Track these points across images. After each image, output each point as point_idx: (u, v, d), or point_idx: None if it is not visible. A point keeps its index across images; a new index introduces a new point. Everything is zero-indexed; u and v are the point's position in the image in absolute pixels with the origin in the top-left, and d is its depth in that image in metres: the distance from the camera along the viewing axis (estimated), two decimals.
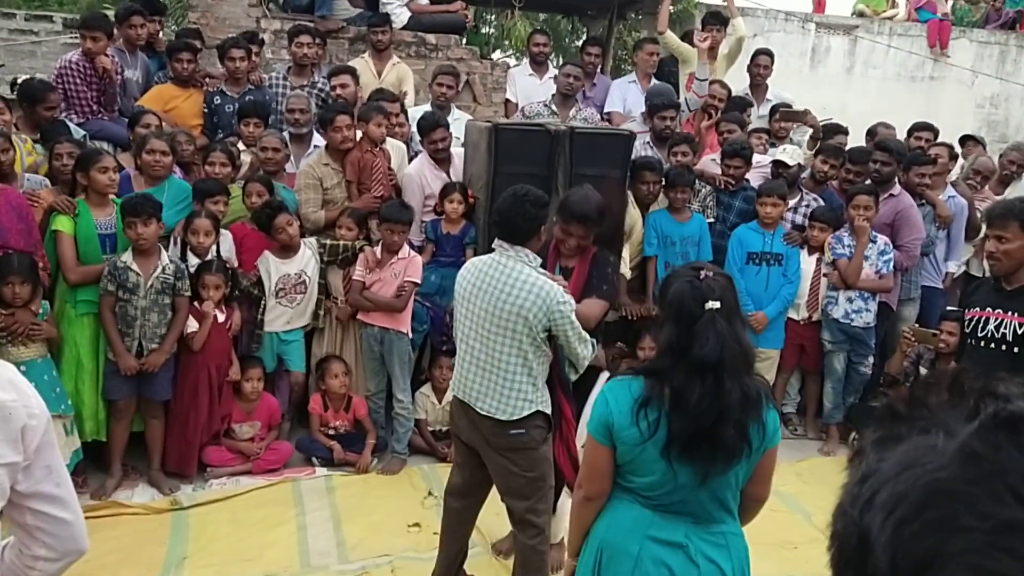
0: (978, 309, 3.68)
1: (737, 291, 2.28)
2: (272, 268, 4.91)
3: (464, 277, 3.37)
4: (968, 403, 0.67)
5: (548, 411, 3.36)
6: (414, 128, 5.77)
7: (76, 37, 6.51)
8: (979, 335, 3.65)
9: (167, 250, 4.57)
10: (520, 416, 3.26)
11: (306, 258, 4.97)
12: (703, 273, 2.22)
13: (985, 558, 0.58)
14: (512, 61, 11.61)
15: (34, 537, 1.52)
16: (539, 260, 3.30)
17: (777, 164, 5.69)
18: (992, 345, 3.58)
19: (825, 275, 5.55)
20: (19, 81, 5.40)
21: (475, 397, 3.33)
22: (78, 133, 5.19)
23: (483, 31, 12.73)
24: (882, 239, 5.47)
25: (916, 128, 6.43)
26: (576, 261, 3.80)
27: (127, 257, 4.33)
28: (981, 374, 0.70)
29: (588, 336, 3.30)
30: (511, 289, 3.19)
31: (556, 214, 3.85)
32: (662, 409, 2.17)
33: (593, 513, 2.38)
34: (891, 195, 5.60)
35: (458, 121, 6.00)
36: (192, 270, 4.61)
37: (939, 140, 6.38)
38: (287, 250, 4.91)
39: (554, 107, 6.24)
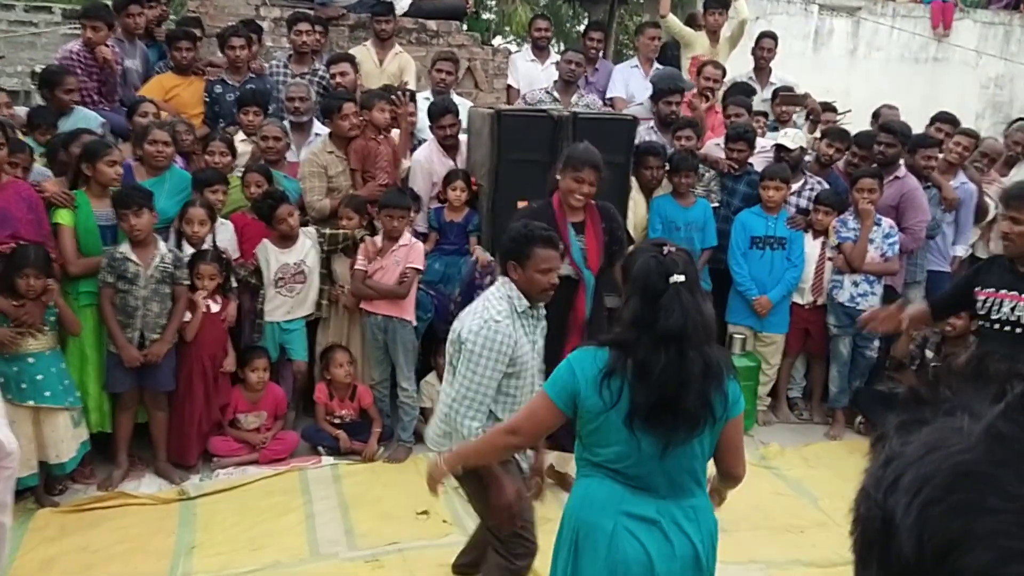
0: (992, 290, 3.65)
1: (698, 270, 2.38)
2: (271, 257, 4.89)
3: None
4: (994, 385, 0.66)
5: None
6: (423, 117, 5.75)
7: (76, 28, 6.49)
8: (993, 318, 3.63)
9: (165, 240, 4.56)
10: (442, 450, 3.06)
11: (306, 248, 4.95)
12: (666, 248, 2.28)
13: (1013, 539, 0.57)
14: (513, 47, 11.56)
15: None
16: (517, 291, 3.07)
17: (779, 148, 5.66)
18: (1008, 328, 3.57)
19: (830, 259, 5.53)
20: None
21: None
22: (96, 121, 5.15)
23: (484, 17, 12.68)
24: (887, 222, 5.44)
25: (936, 119, 6.36)
26: (582, 215, 3.91)
27: (125, 248, 4.32)
28: (1006, 357, 0.70)
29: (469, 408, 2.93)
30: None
31: (563, 167, 3.90)
32: (625, 380, 2.21)
33: (504, 453, 2.58)
34: (896, 177, 5.58)
35: (459, 108, 5.97)
36: (187, 259, 4.61)
37: (962, 128, 6.27)
38: (286, 239, 4.89)
39: (556, 93, 6.21)
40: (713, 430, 2.27)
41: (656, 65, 7.00)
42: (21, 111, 5.47)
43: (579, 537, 2.33)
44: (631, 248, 2.42)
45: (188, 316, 4.54)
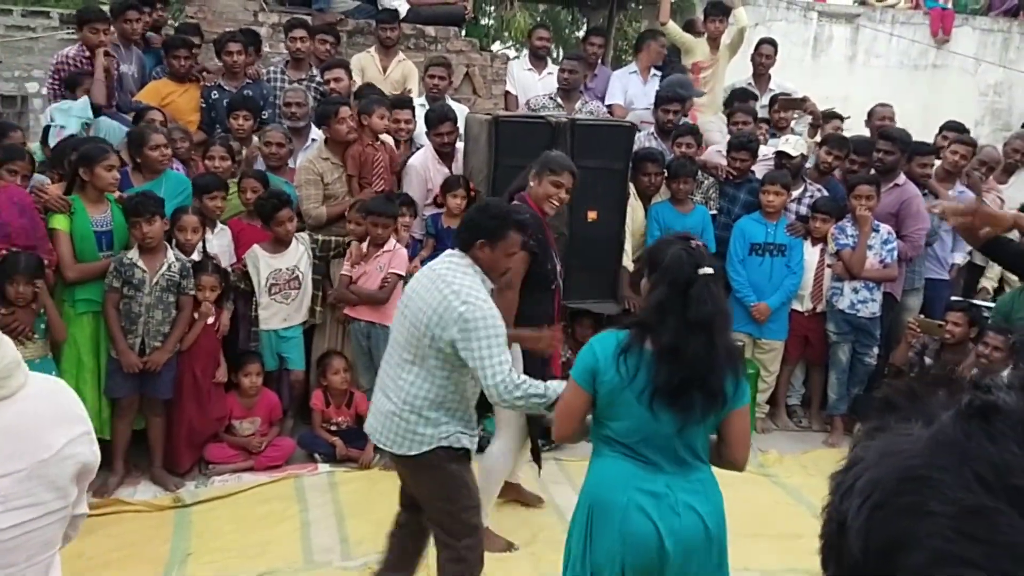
0: None
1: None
2: (261, 264, 4.86)
3: (408, 284, 3.18)
4: (956, 393, 0.68)
5: (462, 445, 3.07)
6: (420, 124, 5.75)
7: (73, 32, 6.48)
8: None
9: None
10: (418, 452, 3.01)
11: (298, 253, 4.93)
12: (693, 242, 2.49)
13: (948, 542, 0.59)
14: (512, 52, 11.56)
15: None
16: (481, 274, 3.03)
17: (780, 155, 5.65)
18: None
19: (829, 266, 5.52)
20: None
21: (373, 427, 3.13)
22: (120, 132, 5.11)
23: (483, 23, 12.68)
24: (885, 228, 5.44)
25: (944, 128, 6.34)
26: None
27: (133, 254, 4.31)
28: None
29: (515, 379, 2.86)
30: (427, 293, 2.95)
31: (540, 172, 3.92)
32: (642, 358, 2.38)
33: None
34: (895, 185, 5.57)
35: (456, 114, 5.95)
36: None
37: (958, 136, 6.25)
38: (278, 245, 4.87)
39: (559, 100, 6.21)
40: (719, 414, 2.43)
41: (653, 71, 6.99)
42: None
43: (593, 514, 2.48)
44: (656, 240, 2.62)
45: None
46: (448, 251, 3.14)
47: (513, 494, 4.48)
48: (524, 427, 4.05)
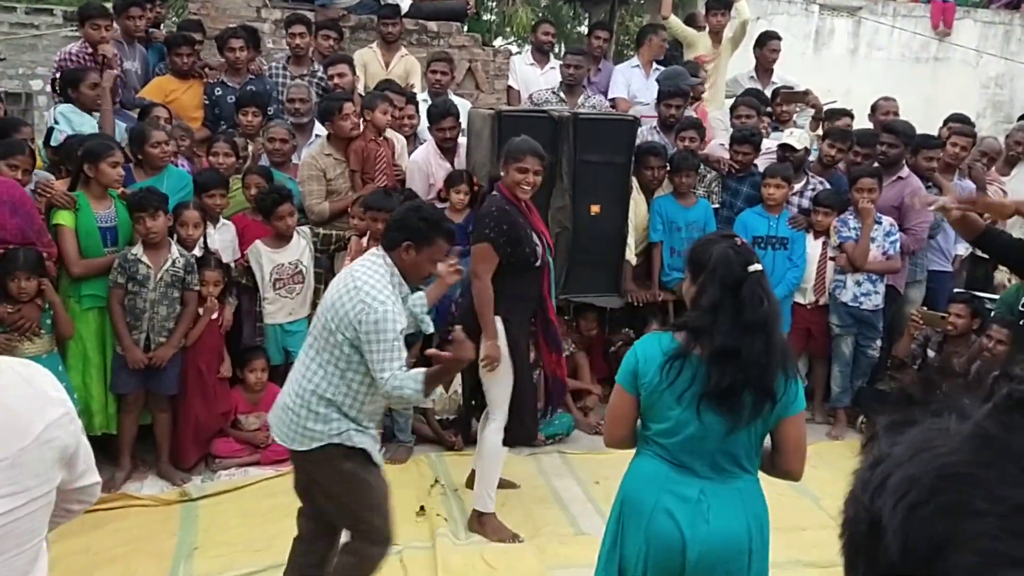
0: None
1: None
2: (264, 258, 4.87)
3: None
4: (983, 386, 0.66)
5: (355, 444, 2.98)
6: (423, 119, 5.76)
7: (76, 30, 6.49)
8: None
9: None
10: (308, 448, 2.97)
11: (300, 247, 4.95)
12: (738, 240, 2.42)
13: (998, 542, 0.57)
14: (514, 48, 11.56)
15: (73, 501, 1.64)
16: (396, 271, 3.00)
17: (784, 148, 5.66)
18: None
19: (832, 259, 5.53)
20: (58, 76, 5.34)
21: (272, 421, 3.12)
22: (120, 128, 5.13)
23: (484, 18, 12.67)
24: (887, 220, 5.44)
25: (949, 120, 6.33)
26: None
27: (137, 250, 4.32)
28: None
29: (405, 375, 2.82)
30: (335, 288, 2.95)
31: (504, 162, 3.99)
32: (687, 362, 2.30)
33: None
34: (899, 178, 5.57)
35: (459, 109, 5.97)
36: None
37: (959, 127, 6.24)
38: (280, 239, 4.88)
39: (562, 94, 6.21)
40: (767, 421, 2.35)
41: (656, 66, 6.99)
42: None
43: (624, 511, 2.47)
44: (699, 239, 2.53)
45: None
46: (372, 249, 3.11)
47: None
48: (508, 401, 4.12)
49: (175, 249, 4.42)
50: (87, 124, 4.96)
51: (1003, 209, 4.06)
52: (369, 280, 2.88)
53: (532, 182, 3.97)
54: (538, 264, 4.03)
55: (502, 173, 4.01)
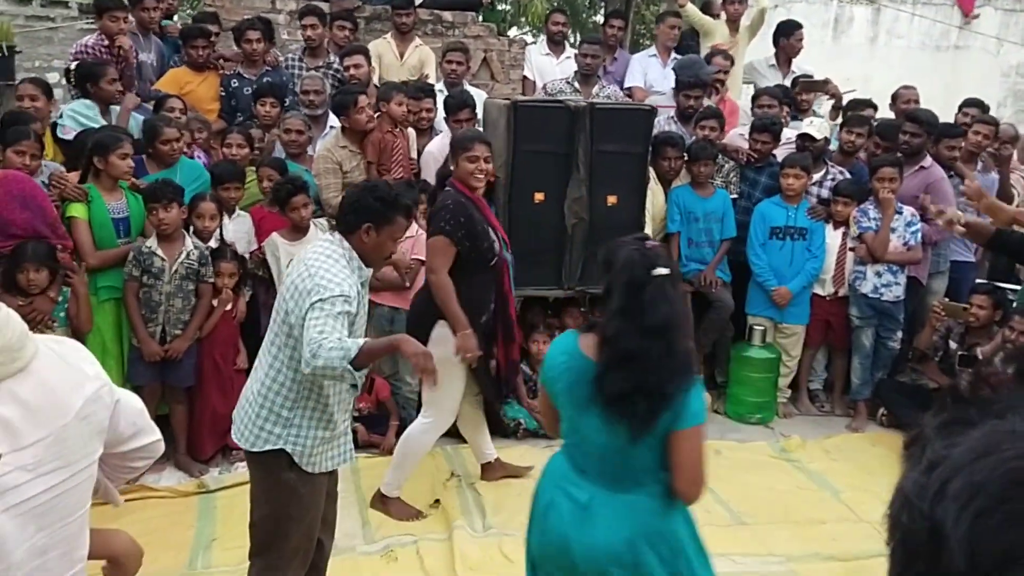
0: None
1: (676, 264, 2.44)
2: (281, 251, 4.85)
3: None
4: None
5: (306, 468, 2.87)
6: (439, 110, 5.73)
7: (92, 22, 6.49)
8: None
9: None
10: (260, 450, 2.86)
11: (317, 239, 4.92)
12: (648, 242, 2.36)
13: None
14: (529, 38, 11.51)
15: (136, 459, 1.73)
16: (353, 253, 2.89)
17: (804, 137, 5.59)
18: None
19: (851, 249, 5.47)
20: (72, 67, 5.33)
21: (235, 417, 3.02)
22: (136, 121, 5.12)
23: (499, 8, 12.62)
24: (908, 210, 5.37)
25: (964, 105, 6.25)
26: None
27: (151, 242, 4.32)
28: None
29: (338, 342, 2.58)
30: (290, 273, 2.84)
31: (453, 155, 3.99)
32: (588, 363, 2.28)
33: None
34: (921, 167, 5.50)
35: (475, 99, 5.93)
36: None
37: (980, 116, 6.16)
38: (296, 232, 4.87)
39: (576, 84, 6.17)
40: (656, 431, 2.22)
41: (674, 55, 6.94)
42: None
43: (535, 499, 2.47)
44: (613, 241, 2.42)
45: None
46: (325, 235, 3.03)
47: (500, 472, 4.52)
48: (453, 410, 4.13)
49: (189, 242, 4.42)
50: (95, 121, 4.95)
51: (1001, 214, 4.03)
52: (324, 264, 2.75)
53: (485, 170, 3.96)
54: (494, 262, 3.99)
55: (452, 167, 3.98)
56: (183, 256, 4.37)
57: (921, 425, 0.67)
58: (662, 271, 2.25)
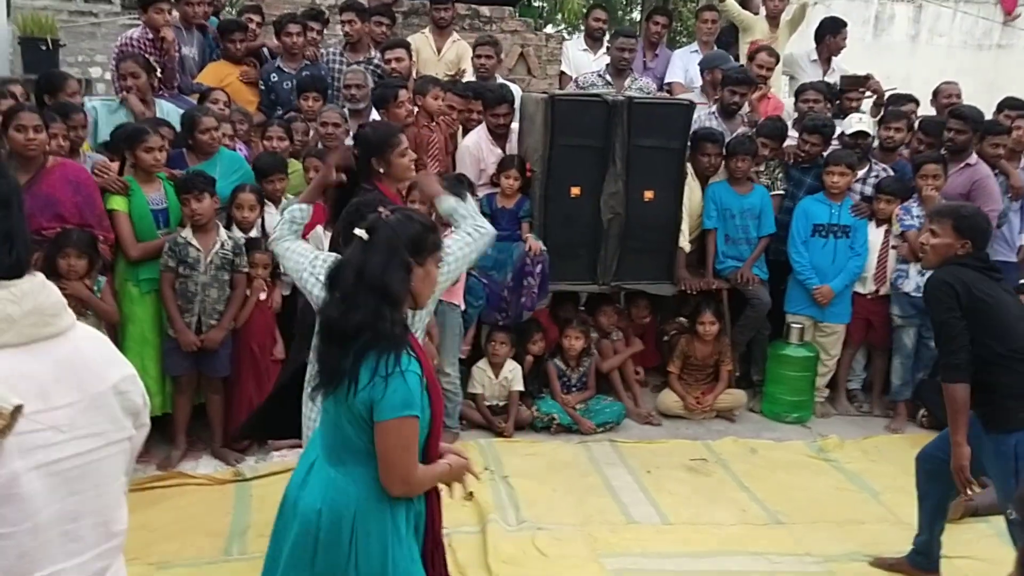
0: None
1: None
2: (325, 243, 4.88)
3: None
4: None
5: None
6: None
7: (135, 18, 6.58)
8: None
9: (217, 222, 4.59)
10: None
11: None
12: (382, 210, 2.31)
13: None
14: (565, 35, 11.48)
15: None
16: None
17: (856, 135, 5.49)
18: None
19: (894, 247, 5.39)
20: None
21: None
22: (175, 113, 5.15)
23: (536, 4, 12.62)
24: None
25: (1004, 105, 6.12)
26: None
27: (187, 233, 4.36)
28: None
29: None
30: None
31: (378, 154, 3.56)
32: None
33: None
34: (967, 164, 5.38)
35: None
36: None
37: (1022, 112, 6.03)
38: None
39: (608, 77, 6.13)
40: (353, 415, 2.16)
41: (716, 50, 6.87)
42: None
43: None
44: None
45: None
46: None
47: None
48: None
49: (223, 232, 4.45)
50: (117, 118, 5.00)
51: None
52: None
53: (414, 157, 3.81)
54: None
55: (381, 170, 3.57)
56: (218, 246, 4.40)
57: None
58: (360, 233, 2.24)
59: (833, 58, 6.91)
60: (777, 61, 6.37)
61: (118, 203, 4.35)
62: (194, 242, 4.35)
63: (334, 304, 2.22)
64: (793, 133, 5.78)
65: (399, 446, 2.15)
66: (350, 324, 2.14)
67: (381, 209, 2.31)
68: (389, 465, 2.17)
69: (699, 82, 6.48)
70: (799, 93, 6.10)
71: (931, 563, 3.68)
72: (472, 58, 6.25)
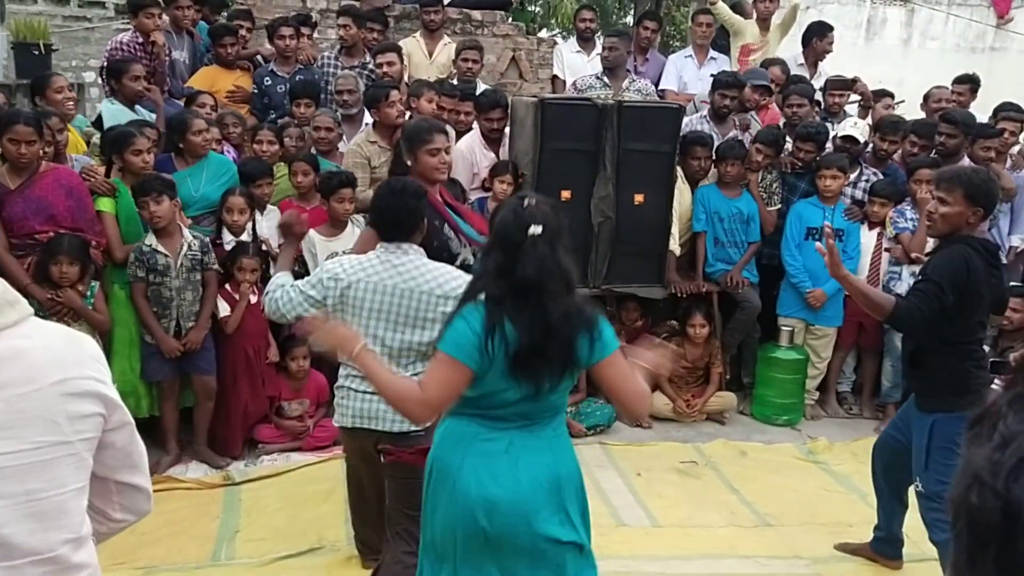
0: None
1: (561, 221, 2.34)
2: (318, 247, 4.88)
3: (359, 286, 3.01)
4: None
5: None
6: None
7: (128, 22, 6.59)
8: None
9: (210, 226, 4.59)
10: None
11: (354, 236, 4.94)
12: (527, 201, 2.34)
13: None
14: (559, 40, 11.49)
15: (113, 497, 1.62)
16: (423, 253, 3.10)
17: (846, 140, 5.51)
18: None
19: (887, 250, 5.40)
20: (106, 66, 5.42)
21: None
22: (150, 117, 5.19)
23: (529, 9, 12.64)
24: None
25: (1000, 109, 6.14)
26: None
27: (151, 240, 4.31)
28: None
29: None
30: (429, 275, 3.00)
31: (409, 150, 3.68)
32: (500, 329, 2.27)
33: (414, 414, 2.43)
34: None
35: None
36: (228, 248, 4.65)
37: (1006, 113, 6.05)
38: (334, 228, 4.89)
39: (606, 79, 6.14)
40: (572, 375, 2.37)
41: (712, 53, 6.88)
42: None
43: (434, 474, 2.43)
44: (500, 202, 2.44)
45: (228, 310, 4.56)
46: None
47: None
48: None
49: (187, 233, 4.41)
50: (126, 116, 5.02)
51: None
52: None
53: (447, 161, 3.76)
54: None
55: (409, 163, 3.69)
56: (185, 248, 4.36)
57: (990, 401, 0.63)
58: (535, 230, 2.25)
59: (819, 62, 6.93)
60: (788, 76, 6.36)
61: (105, 205, 4.36)
62: (160, 248, 4.30)
63: (554, 303, 2.25)
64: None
65: (626, 369, 2.38)
66: (580, 317, 2.29)
67: (528, 200, 2.34)
68: (629, 387, 2.37)
69: (692, 87, 6.49)
70: (784, 98, 6.12)
71: (895, 549, 3.77)
72: (457, 61, 6.25)
